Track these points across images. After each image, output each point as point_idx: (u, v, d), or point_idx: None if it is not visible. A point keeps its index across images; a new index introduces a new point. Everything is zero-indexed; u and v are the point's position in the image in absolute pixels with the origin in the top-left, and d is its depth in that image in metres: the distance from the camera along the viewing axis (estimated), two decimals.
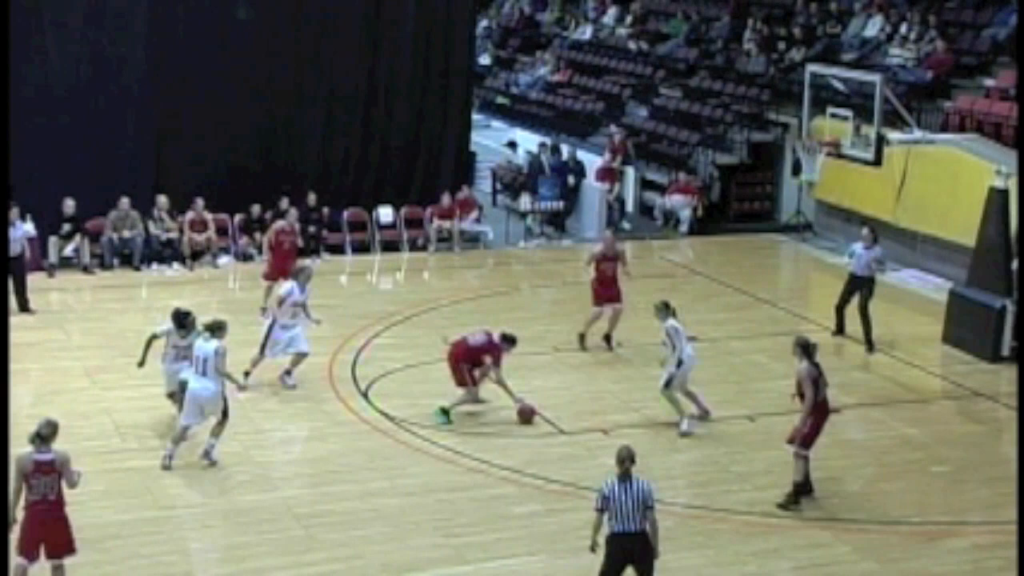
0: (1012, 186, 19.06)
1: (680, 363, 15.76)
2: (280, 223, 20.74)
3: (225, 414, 14.44)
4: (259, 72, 23.89)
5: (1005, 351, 18.66)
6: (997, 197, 19.04)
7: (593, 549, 11.08)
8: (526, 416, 16.09)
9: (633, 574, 11.06)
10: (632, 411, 16.51)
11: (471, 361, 16.23)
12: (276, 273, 19.65)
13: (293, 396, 16.81)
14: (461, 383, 16.25)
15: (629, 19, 35.78)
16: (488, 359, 16.12)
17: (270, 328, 16.83)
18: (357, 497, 13.95)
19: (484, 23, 39.43)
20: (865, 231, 19.72)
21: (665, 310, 15.95)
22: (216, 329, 14.45)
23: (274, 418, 16.19)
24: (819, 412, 13.90)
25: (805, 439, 13.82)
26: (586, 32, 36.84)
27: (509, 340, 16.38)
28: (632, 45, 34.11)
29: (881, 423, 16.72)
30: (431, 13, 25.37)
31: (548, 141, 28.29)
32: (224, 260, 23.39)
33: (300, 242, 21.49)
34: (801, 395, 13.75)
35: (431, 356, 18.47)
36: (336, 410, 16.52)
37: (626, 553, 10.97)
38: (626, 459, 11.03)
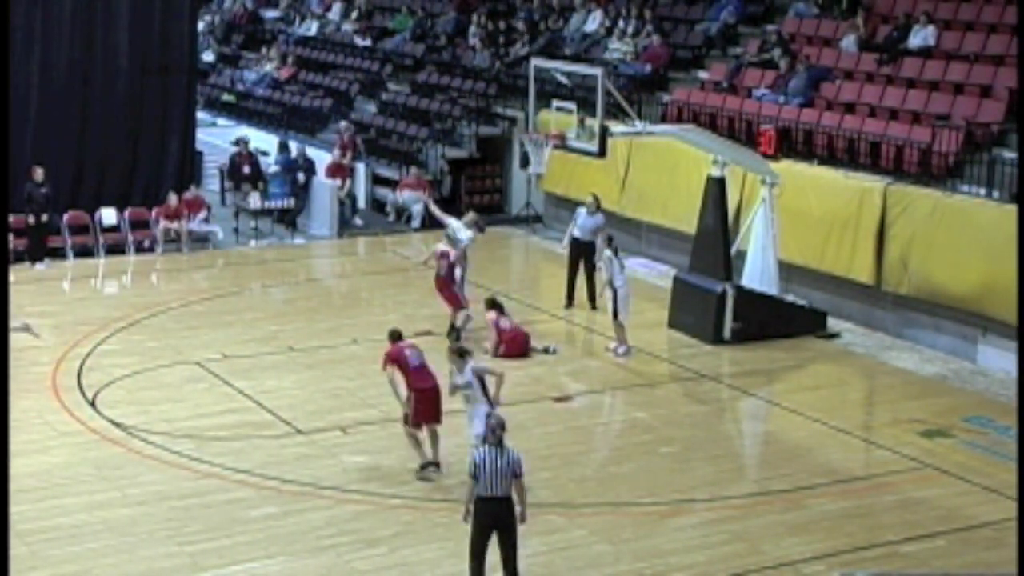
0: (728, 174, 19.82)
1: (615, 291, 18.37)
2: (442, 247, 19.48)
3: None
4: None
5: (726, 334, 19.39)
6: (714, 185, 19.76)
7: (465, 519, 11.56)
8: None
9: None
10: (369, 407, 16.46)
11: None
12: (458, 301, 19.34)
13: (16, 407, 16.05)
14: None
15: (355, 14, 35.70)
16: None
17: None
18: (84, 509, 13.50)
19: (207, 18, 38.67)
20: (589, 199, 21.06)
21: (608, 243, 18.74)
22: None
23: None
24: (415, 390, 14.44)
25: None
26: (311, 28, 36.57)
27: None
28: (359, 40, 34.04)
29: (611, 408, 17.18)
30: (147, 8, 24.69)
31: (244, 138, 27.95)
32: None
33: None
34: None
35: (160, 361, 18.06)
36: (61, 420, 15.95)
37: (492, 517, 11.40)
38: (496, 427, 11.46)
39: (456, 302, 19.12)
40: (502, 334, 18.68)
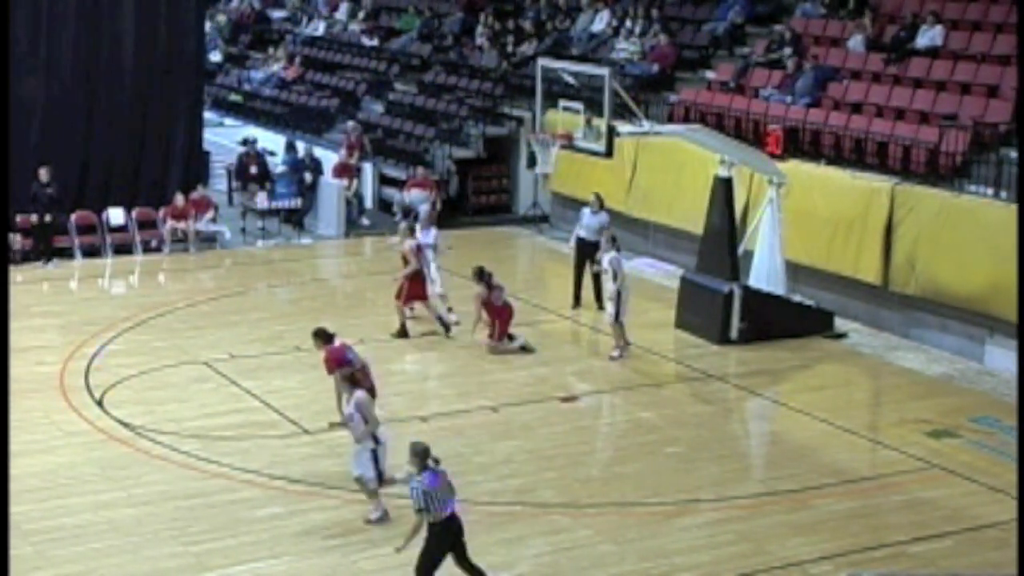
0: (735, 174, 19.80)
1: (618, 293, 18.17)
2: (412, 243, 19.61)
3: None
4: None
5: (733, 334, 19.36)
6: (721, 185, 19.74)
7: (399, 551, 11.57)
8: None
9: None
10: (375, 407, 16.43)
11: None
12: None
13: (22, 407, 16.10)
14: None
15: (361, 14, 35.72)
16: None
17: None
18: (89, 509, 13.49)
19: (218, 18, 38.67)
20: (592, 198, 21.12)
21: (611, 242, 18.52)
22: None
23: None
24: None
25: None
26: (319, 28, 36.59)
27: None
28: (365, 40, 34.05)
29: (617, 408, 17.15)
30: (153, 7, 24.71)
31: (252, 138, 28.01)
32: None
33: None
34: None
35: (167, 361, 18.06)
36: (68, 420, 15.94)
37: (454, 534, 11.52)
38: (423, 453, 11.49)
39: (420, 295, 19.23)
40: (495, 311, 18.51)
